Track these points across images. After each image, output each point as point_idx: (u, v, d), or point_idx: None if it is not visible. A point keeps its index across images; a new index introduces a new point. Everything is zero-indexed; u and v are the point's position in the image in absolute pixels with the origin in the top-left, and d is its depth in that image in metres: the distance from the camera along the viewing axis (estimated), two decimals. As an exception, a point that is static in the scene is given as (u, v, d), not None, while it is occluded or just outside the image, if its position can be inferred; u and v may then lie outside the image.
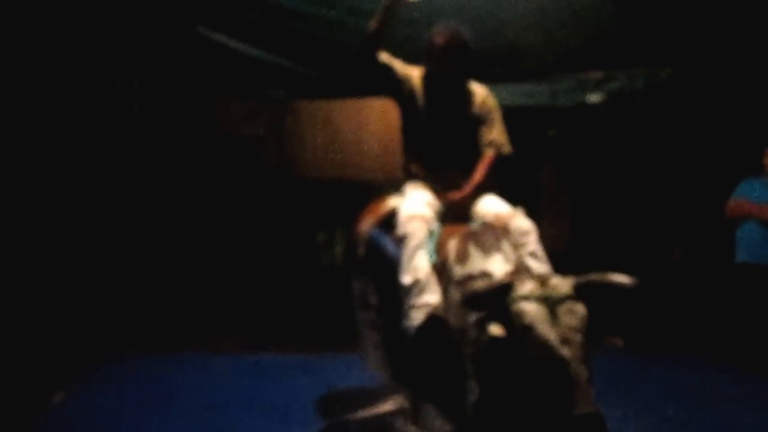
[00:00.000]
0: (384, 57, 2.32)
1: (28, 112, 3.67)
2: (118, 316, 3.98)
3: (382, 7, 2.20)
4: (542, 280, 1.70)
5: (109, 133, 4.09)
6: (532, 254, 2.07)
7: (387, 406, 2.25)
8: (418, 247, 2.04)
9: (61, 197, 3.82)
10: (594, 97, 4.10)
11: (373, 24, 2.23)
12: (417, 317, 1.94)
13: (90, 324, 3.78)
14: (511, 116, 2.48)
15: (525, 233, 2.11)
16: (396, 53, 2.38)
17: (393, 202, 2.35)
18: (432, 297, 1.97)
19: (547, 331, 1.57)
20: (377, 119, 4.71)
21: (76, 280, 3.84)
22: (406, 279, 2.01)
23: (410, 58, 2.42)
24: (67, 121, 3.86)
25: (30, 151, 3.67)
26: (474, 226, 2.23)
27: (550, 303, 1.63)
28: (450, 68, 2.32)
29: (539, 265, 2.05)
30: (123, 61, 4.05)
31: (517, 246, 2.05)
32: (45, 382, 3.15)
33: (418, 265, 2.01)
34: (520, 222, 2.14)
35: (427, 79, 2.37)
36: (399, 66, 2.36)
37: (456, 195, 2.31)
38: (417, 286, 1.99)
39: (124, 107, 4.11)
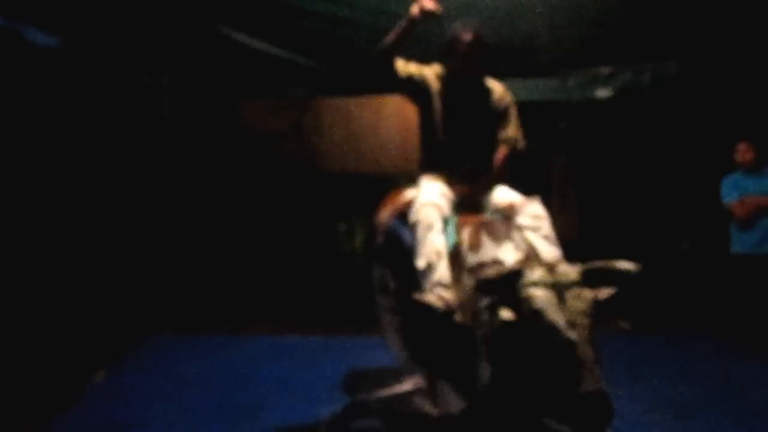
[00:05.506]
0: (400, 66, 2.33)
1: (61, 112, 3.83)
2: (156, 302, 4.18)
3: (407, 21, 2.18)
4: (550, 267, 1.78)
5: (142, 131, 4.25)
6: (546, 237, 2.14)
7: (406, 385, 2.31)
8: (428, 231, 2.13)
9: (104, 190, 4.01)
10: (602, 92, 4.13)
11: (391, 38, 2.21)
12: (430, 297, 2.02)
13: (130, 309, 3.99)
14: (522, 109, 2.52)
15: (539, 218, 2.18)
16: (409, 51, 2.36)
17: (410, 193, 2.43)
18: (439, 275, 2.05)
19: (555, 315, 1.65)
20: (394, 115, 4.78)
21: (120, 269, 4.05)
22: (421, 263, 2.10)
23: (422, 55, 2.40)
24: (104, 119, 4.02)
25: (72, 149, 3.84)
26: (487, 216, 2.33)
27: (558, 288, 1.70)
28: (474, 67, 2.34)
29: (552, 248, 2.12)
30: (152, 61, 4.16)
31: (531, 229, 2.13)
32: (88, 361, 3.37)
33: (429, 249, 2.10)
34: (535, 208, 2.21)
35: (445, 76, 2.39)
36: (414, 70, 2.38)
37: (471, 188, 2.40)
38: (430, 268, 2.08)
39: (153, 106, 4.26)
